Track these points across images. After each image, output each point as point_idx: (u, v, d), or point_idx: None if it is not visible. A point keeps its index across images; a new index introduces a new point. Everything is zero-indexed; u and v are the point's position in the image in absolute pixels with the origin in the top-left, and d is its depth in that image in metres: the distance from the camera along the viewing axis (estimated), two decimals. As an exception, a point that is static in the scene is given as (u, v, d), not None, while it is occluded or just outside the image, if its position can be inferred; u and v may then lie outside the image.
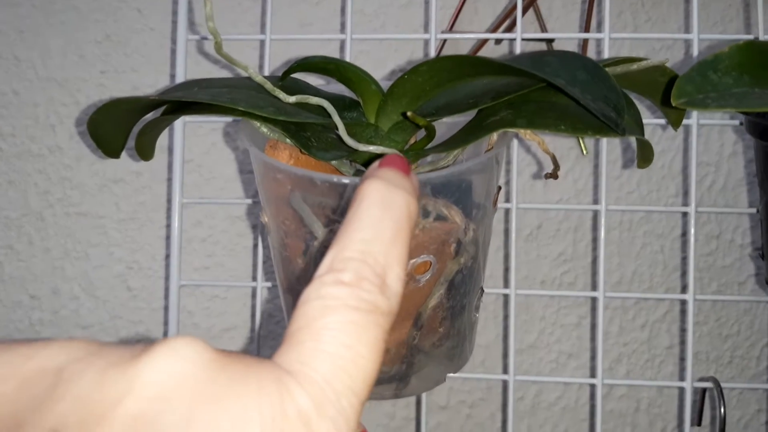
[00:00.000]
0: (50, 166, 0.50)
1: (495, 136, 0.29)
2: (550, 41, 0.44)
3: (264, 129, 0.31)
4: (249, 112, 0.29)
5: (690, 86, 0.26)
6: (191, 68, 0.43)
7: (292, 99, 0.30)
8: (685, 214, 0.47)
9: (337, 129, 0.29)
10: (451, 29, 0.47)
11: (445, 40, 0.45)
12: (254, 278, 0.46)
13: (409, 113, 0.27)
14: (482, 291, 0.33)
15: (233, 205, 0.50)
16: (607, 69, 0.29)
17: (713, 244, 0.50)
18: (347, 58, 0.39)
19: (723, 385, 0.36)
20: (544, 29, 0.45)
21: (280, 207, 0.29)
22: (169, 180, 0.49)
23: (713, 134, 0.49)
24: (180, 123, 0.40)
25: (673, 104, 0.26)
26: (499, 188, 0.31)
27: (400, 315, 0.30)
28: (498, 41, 0.46)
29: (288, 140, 0.31)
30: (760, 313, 0.52)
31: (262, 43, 0.41)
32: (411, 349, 0.31)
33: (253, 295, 0.49)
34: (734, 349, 0.52)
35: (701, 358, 0.51)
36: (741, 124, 0.39)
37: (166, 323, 0.50)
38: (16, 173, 0.50)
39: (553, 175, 0.31)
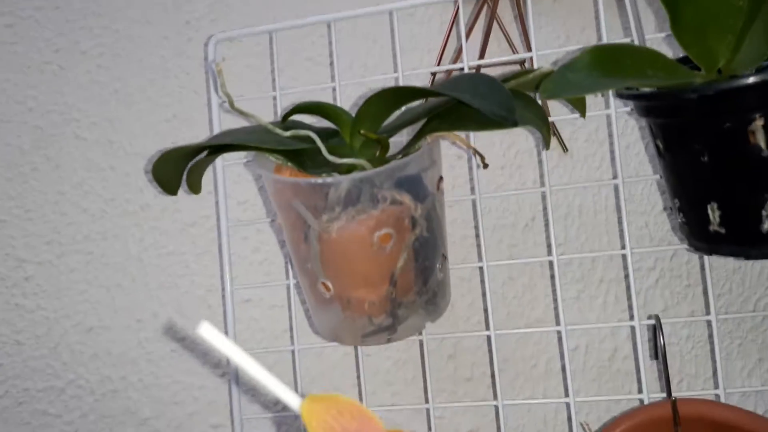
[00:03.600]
0: (142, 219, 0.65)
1: (429, 138, 0.41)
2: (507, 64, 0.55)
3: (272, 158, 0.43)
4: (258, 147, 0.42)
5: (551, 84, 0.36)
6: (227, 123, 0.57)
7: (287, 133, 0.42)
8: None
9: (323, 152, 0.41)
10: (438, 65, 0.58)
11: (434, 75, 0.57)
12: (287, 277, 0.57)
13: (361, 131, 0.39)
14: (444, 257, 0.44)
15: (281, 234, 0.62)
16: (510, 81, 0.40)
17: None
18: (338, 103, 0.51)
19: (663, 320, 0.45)
20: (514, 50, 0.55)
21: (286, 210, 0.42)
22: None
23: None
24: (220, 165, 0.54)
25: (541, 98, 0.37)
26: (441, 178, 0.42)
27: (379, 276, 0.41)
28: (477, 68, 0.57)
29: (289, 163, 0.43)
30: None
31: (275, 98, 0.54)
32: (392, 302, 0.41)
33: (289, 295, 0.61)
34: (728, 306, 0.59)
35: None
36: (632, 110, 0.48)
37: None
38: (118, 228, 0.65)
39: (484, 165, 0.42)
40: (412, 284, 0.42)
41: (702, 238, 0.41)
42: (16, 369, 0.64)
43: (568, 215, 0.61)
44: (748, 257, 0.39)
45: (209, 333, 0.22)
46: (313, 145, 0.42)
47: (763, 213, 0.37)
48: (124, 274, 0.64)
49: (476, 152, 0.41)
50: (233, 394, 0.53)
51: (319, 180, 0.38)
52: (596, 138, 0.61)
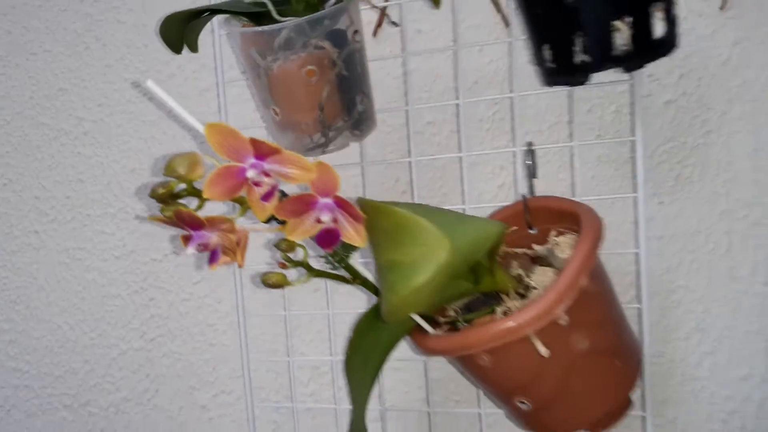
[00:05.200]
0: (171, 86, 0.84)
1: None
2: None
3: (241, 20, 0.61)
4: (228, 10, 0.59)
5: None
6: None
7: (249, 0, 0.59)
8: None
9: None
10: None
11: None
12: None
13: (296, -8, 0.56)
14: (365, 94, 0.61)
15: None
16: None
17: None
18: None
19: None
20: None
21: (247, 59, 0.60)
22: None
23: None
24: (218, 36, 0.72)
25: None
26: (356, 32, 0.59)
27: (309, 103, 0.58)
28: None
29: (252, 23, 0.60)
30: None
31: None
32: (323, 125, 0.59)
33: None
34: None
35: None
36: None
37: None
38: (152, 93, 0.84)
39: (392, 24, 0.57)
40: (338, 113, 0.59)
41: (544, 73, 0.56)
42: (80, 200, 0.86)
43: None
44: (569, 84, 0.54)
45: (153, 87, 0.40)
46: (267, 9, 0.59)
47: (574, 49, 0.52)
48: (158, 128, 0.84)
49: (384, 14, 0.57)
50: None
51: (261, 28, 0.56)
52: None
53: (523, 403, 0.51)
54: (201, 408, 0.84)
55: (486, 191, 0.77)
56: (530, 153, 0.61)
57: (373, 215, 0.41)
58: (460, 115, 0.67)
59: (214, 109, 0.83)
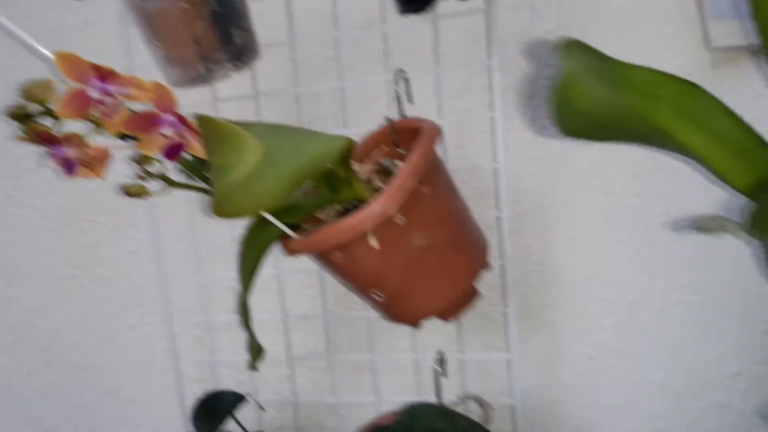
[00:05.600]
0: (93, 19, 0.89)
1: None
2: None
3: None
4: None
5: None
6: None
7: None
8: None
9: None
10: None
11: None
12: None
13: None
14: (243, 29, 0.66)
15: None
16: None
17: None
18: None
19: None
20: None
21: (134, 7, 0.65)
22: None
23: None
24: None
25: None
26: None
27: (185, 37, 0.64)
28: None
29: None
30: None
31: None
32: (202, 58, 0.65)
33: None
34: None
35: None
36: None
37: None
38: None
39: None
40: (217, 46, 0.65)
41: (397, 4, 0.62)
42: (11, 142, 0.92)
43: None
44: (415, 12, 0.60)
45: (4, 21, 0.45)
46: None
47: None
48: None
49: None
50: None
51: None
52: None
53: (377, 294, 0.58)
54: (129, 327, 0.92)
55: (379, 118, 0.83)
56: (400, 81, 0.67)
57: (206, 128, 0.47)
58: (341, 48, 0.73)
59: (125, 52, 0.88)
